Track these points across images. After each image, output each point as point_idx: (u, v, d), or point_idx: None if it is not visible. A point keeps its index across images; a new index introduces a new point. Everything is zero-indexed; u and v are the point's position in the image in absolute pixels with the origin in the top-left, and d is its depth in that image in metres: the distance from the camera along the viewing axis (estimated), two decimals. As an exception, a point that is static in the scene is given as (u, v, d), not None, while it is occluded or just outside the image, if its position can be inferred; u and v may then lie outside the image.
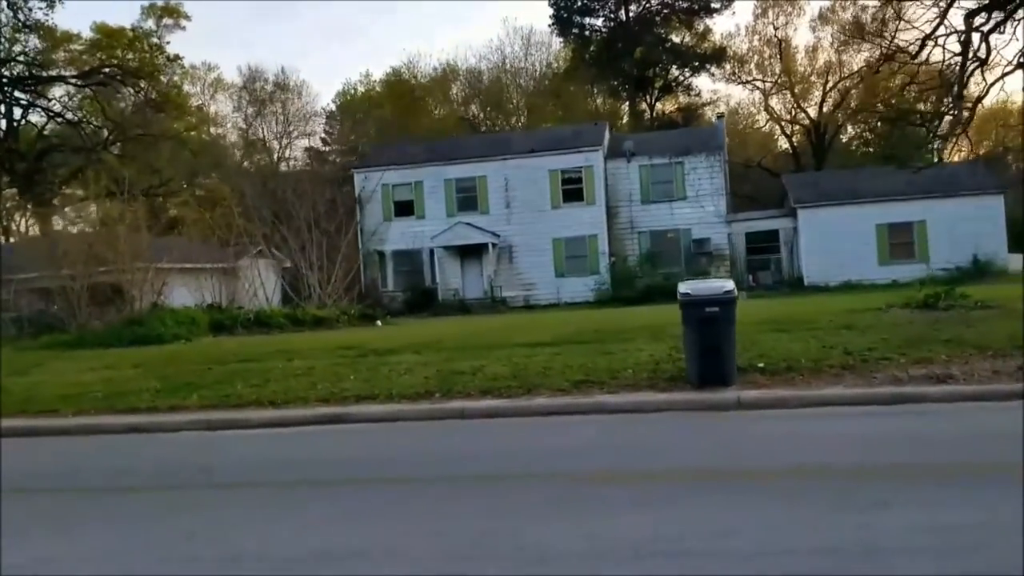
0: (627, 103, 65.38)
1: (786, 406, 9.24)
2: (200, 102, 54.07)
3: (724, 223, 35.93)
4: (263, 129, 60.30)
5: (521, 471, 7.00)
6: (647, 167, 36.62)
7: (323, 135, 63.04)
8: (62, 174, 51.19)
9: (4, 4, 39.61)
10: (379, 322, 23.24)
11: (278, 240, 32.23)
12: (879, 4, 22.76)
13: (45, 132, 45.51)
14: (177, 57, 38.63)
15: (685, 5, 62.51)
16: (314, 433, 9.87)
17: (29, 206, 60.25)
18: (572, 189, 36.22)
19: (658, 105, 64.50)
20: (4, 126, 46.69)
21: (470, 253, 36.95)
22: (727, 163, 38.04)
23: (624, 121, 61.09)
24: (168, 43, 43.33)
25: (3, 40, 41.66)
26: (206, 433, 10.29)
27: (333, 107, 63.06)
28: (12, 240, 51.88)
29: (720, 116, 43.35)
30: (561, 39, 63.96)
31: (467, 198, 37.13)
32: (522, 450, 8.08)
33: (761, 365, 10.46)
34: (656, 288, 33.05)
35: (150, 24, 46.80)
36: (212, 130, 56.36)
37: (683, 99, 65.00)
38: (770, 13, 59.88)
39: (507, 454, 7.95)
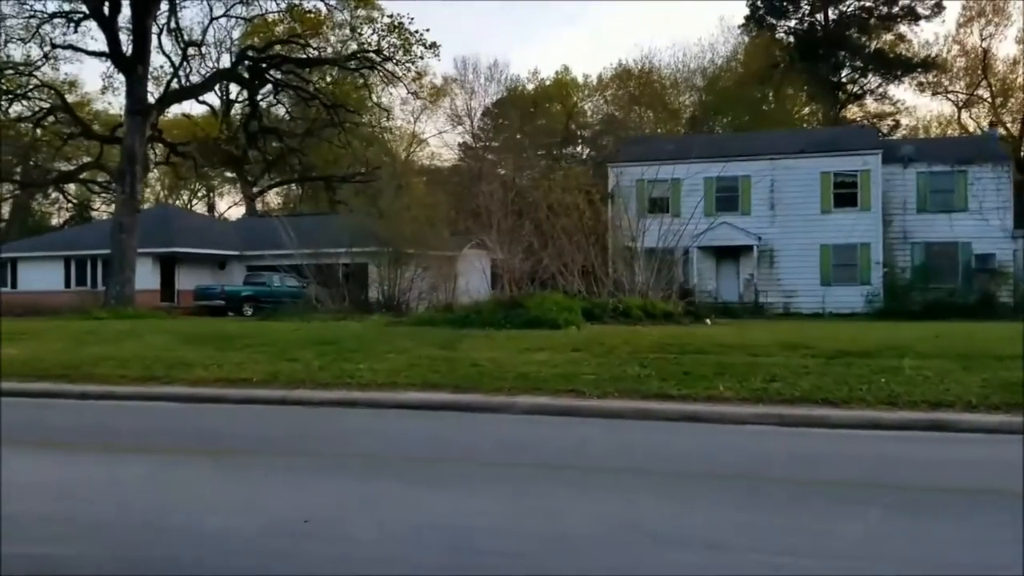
0: (818, 106, 62.78)
1: None
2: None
3: (1010, 239, 33.50)
4: (475, 127, 60.65)
5: None
6: (925, 175, 34.57)
7: (476, 131, 62.91)
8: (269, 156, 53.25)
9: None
10: (708, 320, 22.44)
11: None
12: None
13: (291, 114, 47.12)
14: (434, 45, 38.98)
15: (885, 11, 59.63)
16: (923, 439, 9.10)
17: (239, 185, 63.14)
18: (845, 193, 34.51)
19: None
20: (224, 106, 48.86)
21: (726, 255, 35.86)
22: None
23: (808, 127, 58.64)
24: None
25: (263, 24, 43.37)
26: (779, 428, 9.70)
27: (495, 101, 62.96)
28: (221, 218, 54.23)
29: (992, 125, 40.67)
30: (749, 38, 62.13)
31: (727, 198, 35.99)
32: None
33: None
34: (939, 304, 31.08)
35: (345, 16, 47.15)
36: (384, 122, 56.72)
37: (874, 107, 62.23)
38: (975, 23, 56.39)
39: None
